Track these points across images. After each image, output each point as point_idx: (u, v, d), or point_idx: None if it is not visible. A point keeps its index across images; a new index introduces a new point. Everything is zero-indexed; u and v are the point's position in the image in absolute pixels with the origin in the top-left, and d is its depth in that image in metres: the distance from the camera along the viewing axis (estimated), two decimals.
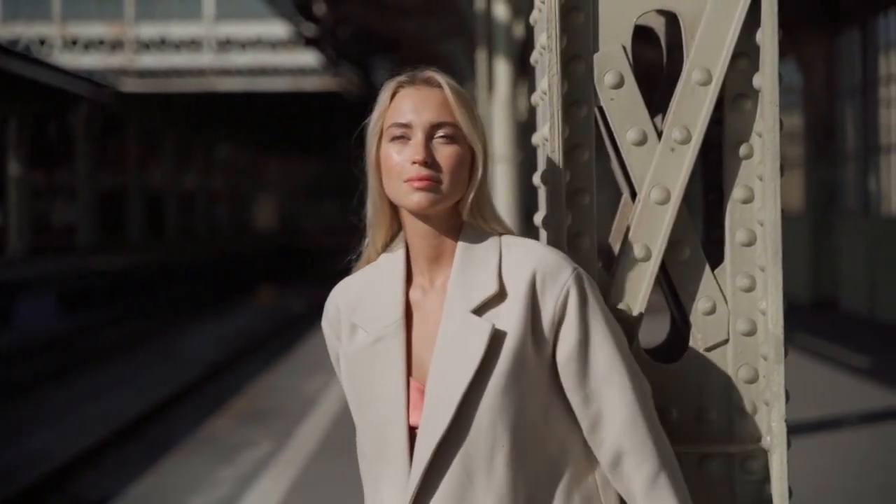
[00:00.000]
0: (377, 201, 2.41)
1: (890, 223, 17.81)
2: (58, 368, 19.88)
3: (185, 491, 10.80)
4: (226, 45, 43.79)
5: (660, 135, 2.67)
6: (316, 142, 70.42)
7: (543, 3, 2.68)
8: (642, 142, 2.66)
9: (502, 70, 12.89)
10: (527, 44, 12.77)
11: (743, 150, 2.70)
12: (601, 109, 2.69)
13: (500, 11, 12.89)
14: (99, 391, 17.69)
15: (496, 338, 2.30)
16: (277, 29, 40.70)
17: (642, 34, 2.80)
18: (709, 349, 2.68)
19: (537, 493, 2.34)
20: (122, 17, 43.97)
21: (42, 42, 43.44)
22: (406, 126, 2.34)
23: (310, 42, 31.83)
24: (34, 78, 34.89)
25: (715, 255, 2.76)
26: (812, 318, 17.85)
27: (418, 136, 2.33)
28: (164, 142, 52.04)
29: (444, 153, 2.33)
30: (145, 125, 47.98)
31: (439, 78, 2.39)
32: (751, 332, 2.68)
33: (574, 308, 2.33)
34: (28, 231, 39.03)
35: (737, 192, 2.70)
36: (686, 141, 2.65)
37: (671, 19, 2.82)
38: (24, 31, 43.41)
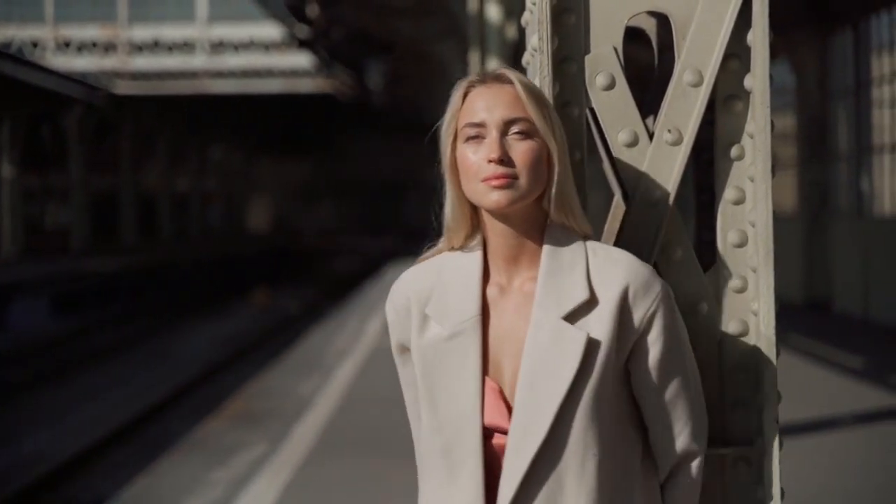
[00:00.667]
0: (455, 203, 2.39)
1: (883, 224, 17.82)
2: (52, 370, 19.87)
3: (179, 493, 10.79)
4: (219, 46, 43.77)
5: (651, 136, 2.67)
6: (310, 143, 70.39)
7: (535, 4, 2.67)
8: (634, 143, 2.65)
9: None
10: (519, 45, 12.78)
11: (734, 151, 2.70)
12: (592, 111, 2.69)
13: (493, 13, 12.90)
14: (93, 393, 17.68)
15: (589, 347, 2.28)
16: (270, 31, 40.69)
17: (633, 35, 2.80)
18: (700, 350, 2.67)
19: (616, 499, 2.34)
20: (116, 19, 43.94)
21: (35, 44, 43.40)
22: (479, 125, 2.32)
23: (303, 44, 31.85)
24: (27, 80, 34.87)
25: (707, 257, 2.76)
26: (806, 319, 17.87)
27: (492, 134, 2.31)
28: (158, 144, 52.00)
29: (520, 149, 2.30)
30: (139, 127, 47.94)
31: (510, 74, 2.36)
32: (742, 333, 2.68)
33: (660, 322, 2.34)
34: (21, 233, 39.00)
35: (728, 194, 2.70)
36: (678, 142, 2.65)
37: (662, 20, 2.83)
38: (16, 33, 43.38)
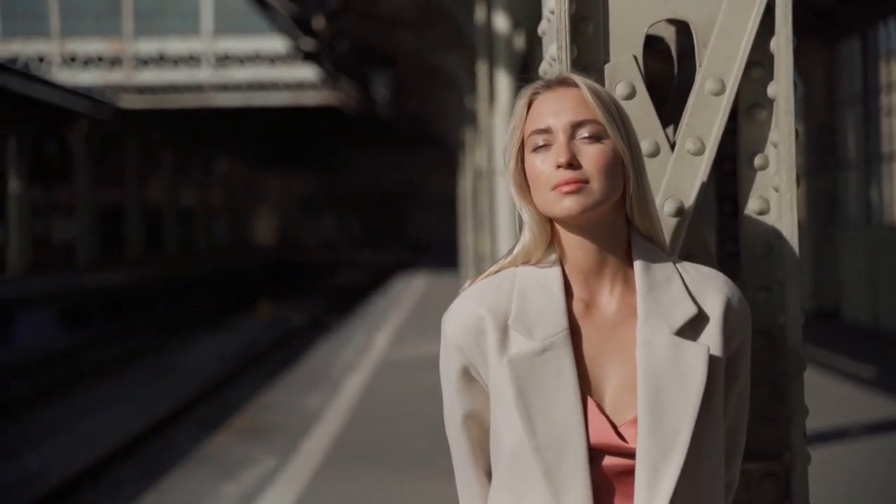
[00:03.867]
0: (533, 218, 2.28)
1: (892, 232, 17.77)
2: (57, 385, 19.84)
3: None
4: (224, 60, 43.77)
5: (673, 146, 2.63)
6: (314, 156, 70.42)
7: (553, 13, 2.63)
8: (655, 153, 2.61)
9: (503, 82, 12.84)
10: (527, 56, 12.74)
11: (758, 160, 2.66)
12: None
13: (501, 24, 12.86)
14: (98, 408, 17.64)
15: (711, 361, 2.21)
16: (276, 44, 40.68)
17: (647, 45, 2.75)
18: None
19: None
20: (121, 33, 43.95)
21: (41, 59, 43.41)
22: (546, 131, 2.23)
23: (308, 56, 31.83)
24: (33, 95, 34.89)
25: (730, 268, 2.71)
26: (814, 329, 17.81)
27: (560, 139, 2.21)
28: (163, 157, 52.04)
29: (590, 153, 2.20)
30: (144, 141, 47.97)
31: (575, 77, 2.27)
32: (767, 346, 2.63)
33: (747, 347, 2.32)
34: (28, 248, 38.98)
35: (752, 204, 2.66)
36: (700, 152, 2.61)
37: (682, 28, 2.78)
38: (22, 48, 43.39)
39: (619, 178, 2.23)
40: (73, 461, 13.47)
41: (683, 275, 2.27)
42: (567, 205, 2.18)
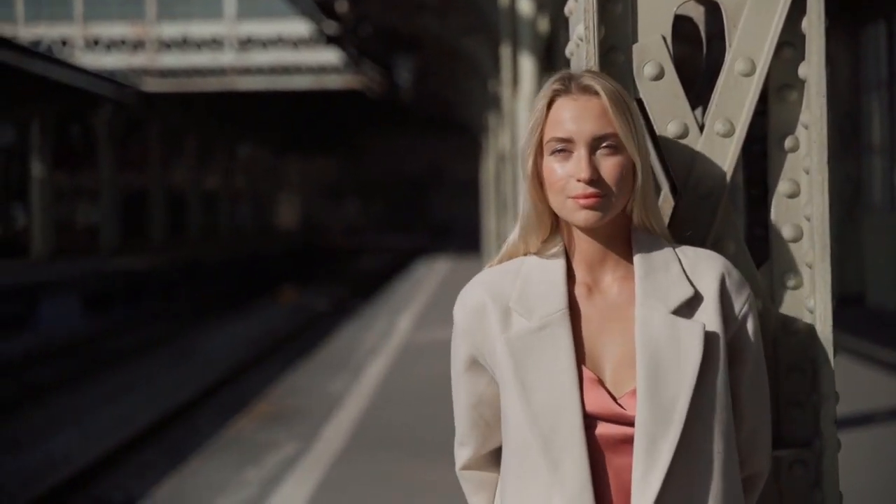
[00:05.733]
0: (536, 208, 2.34)
1: None
2: (81, 369, 19.89)
3: (212, 492, 10.76)
4: (247, 43, 43.78)
5: (702, 128, 2.58)
6: (337, 140, 70.46)
7: None
8: (684, 135, 2.57)
9: (527, 66, 12.79)
10: (552, 38, 12.68)
11: (788, 142, 2.61)
12: (640, 102, 2.60)
13: (525, 6, 12.80)
14: (122, 392, 17.69)
15: (707, 337, 2.25)
16: (299, 27, 40.68)
17: (675, 25, 2.71)
18: None
19: (730, 489, 2.30)
20: (144, 16, 44.01)
21: (64, 42, 43.51)
22: (567, 140, 2.27)
23: (331, 40, 31.82)
24: (57, 79, 34.94)
25: (759, 253, 2.67)
26: (839, 314, 17.62)
27: (581, 152, 2.26)
28: (186, 142, 52.07)
29: (608, 165, 2.26)
30: (167, 125, 48.02)
31: (596, 85, 2.29)
32: (798, 331, 2.59)
33: (750, 329, 2.34)
34: (51, 232, 39.08)
35: (782, 186, 2.62)
36: (729, 133, 2.56)
37: (712, 8, 2.73)
38: (46, 31, 43.49)
39: (631, 185, 2.30)
40: (98, 446, 13.50)
41: (682, 258, 2.34)
42: (584, 217, 2.26)
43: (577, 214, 2.25)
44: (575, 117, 2.27)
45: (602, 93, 2.27)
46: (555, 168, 2.27)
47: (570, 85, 2.30)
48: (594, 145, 2.25)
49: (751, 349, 2.33)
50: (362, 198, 78.89)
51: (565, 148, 2.26)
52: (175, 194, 51.61)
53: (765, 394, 2.39)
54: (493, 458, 2.48)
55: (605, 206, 2.25)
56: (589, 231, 2.30)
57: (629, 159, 2.27)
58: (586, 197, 2.24)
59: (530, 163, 2.31)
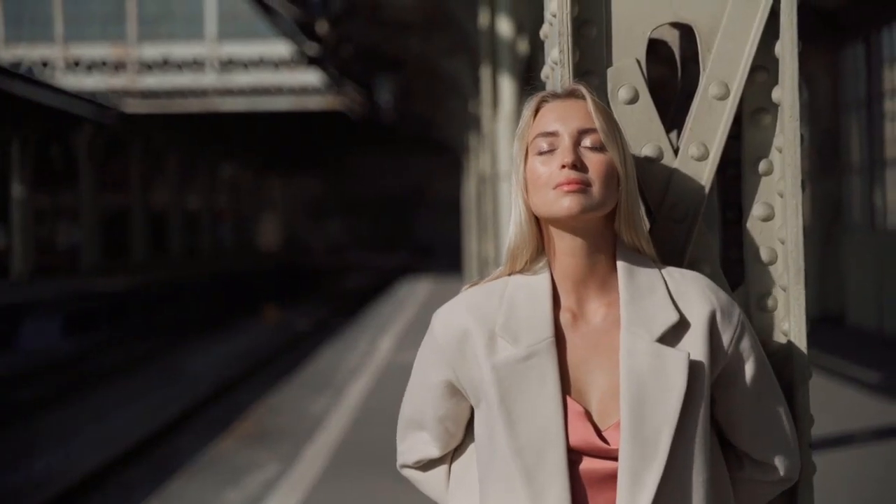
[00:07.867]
0: (523, 223, 2.33)
1: None
2: (62, 390, 19.82)
3: None
4: (228, 65, 43.75)
5: (676, 151, 2.60)
6: (319, 160, 70.41)
7: (555, 16, 2.60)
8: (659, 158, 2.58)
9: (507, 86, 12.83)
10: (531, 60, 12.71)
11: (762, 165, 2.63)
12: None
13: (504, 28, 12.83)
14: (103, 412, 17.63)
15: (692, 367, 2.24)
16: (280, 48, 40.67)
17: (650, 49, 2.73)
18: None
19: None
20: (125, 38, 43.96)
21: (45, 64, 43.43)
22: (552, 134, 2.29)
23: (312, 61, 31.82)
24: (37, 100, 34.86)
25: (734, 275, 2.69)
26: (819, 333, 17.72)
27: (566, 142, 2.28)
28: (168, 162, 52.00)
29: (593, 159, 2.27)
30: (148, 145, 47.94)
31: (583, 90, 2.34)
32: (773, 353, 2.60)
33: (748, 344, 2.33)
34: (32, 253, 38.95)
35: (756, 210, 2.63)
36: (704, 157, 2.58)
37: (686, 32, 2.75)
38: (26, 53, 43.40)
39: (615, 190, 2.28)
40: (81, 465, 13.45)
41: (668, 281, 2.32)
42: (567, 203, 2.24)
43: (560, 202, 2.24)
44: (560, 115, 2.31)
45: (587, 97, 2.32)
46: (537, 166, 2.29)
47: (558, 93, 2.36)
48: (578, 139, 2.28)
49: (752, 367, 2.33)
50: (345, 217, 78.79)
51: (550, 145, 2.28)
52: (156, 215, 51.50)
53: (779, 401, 2.39)
54: (452, 452, 2.53)
55: (588, 196, 2.24)
56: (571, 234, 2.29)
57: (613, 161, 2.28)
58: (569, 182, 2.24)
59: (522, 169, 2.32)
